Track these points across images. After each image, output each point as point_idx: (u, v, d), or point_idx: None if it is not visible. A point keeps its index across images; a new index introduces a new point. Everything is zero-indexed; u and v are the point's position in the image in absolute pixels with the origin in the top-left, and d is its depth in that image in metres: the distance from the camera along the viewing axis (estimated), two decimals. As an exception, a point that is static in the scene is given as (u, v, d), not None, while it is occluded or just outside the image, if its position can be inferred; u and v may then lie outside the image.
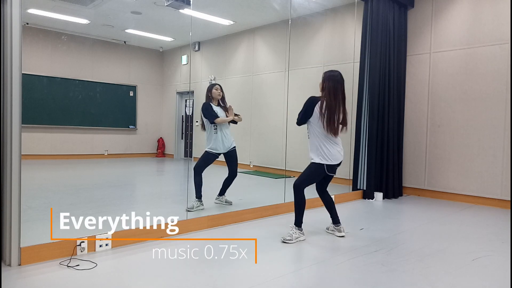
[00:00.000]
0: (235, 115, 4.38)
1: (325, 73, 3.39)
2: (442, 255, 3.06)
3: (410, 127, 5.85)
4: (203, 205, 4.25)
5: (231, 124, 4.44)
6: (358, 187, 5.51)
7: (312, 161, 3.36)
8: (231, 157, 4.40)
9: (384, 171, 5.47)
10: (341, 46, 6.57)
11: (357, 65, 5.66)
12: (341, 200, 5.06)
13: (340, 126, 3.35)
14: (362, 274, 2.64)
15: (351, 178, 5.64)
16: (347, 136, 5.73)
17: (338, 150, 3.36)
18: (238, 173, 4.44)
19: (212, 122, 4.22)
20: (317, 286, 2.48)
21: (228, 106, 4.39)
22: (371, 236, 3.57)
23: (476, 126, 5.19)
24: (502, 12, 4.96)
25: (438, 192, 5.56)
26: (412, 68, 5.83)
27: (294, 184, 3.37)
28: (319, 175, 3.39)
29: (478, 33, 5.18)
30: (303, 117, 3.36)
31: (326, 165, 3.31)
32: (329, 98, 3.26)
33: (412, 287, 2.43)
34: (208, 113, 4.22)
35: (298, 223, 3.36)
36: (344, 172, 5.81)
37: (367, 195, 5.42)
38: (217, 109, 4.31)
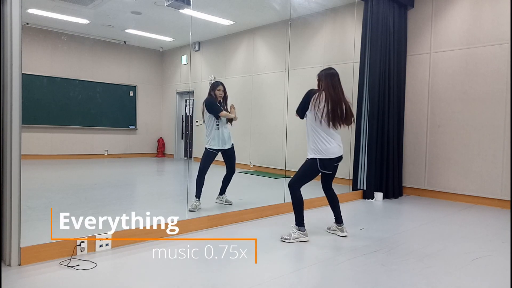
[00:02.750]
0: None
1: (320, 72, 3.37)
2: (442, 255, 3.06)
3: (410, 127, 5.84)
4: (200, 203, 4.26)
5: (229, 123, 4.46)
6: (358, 187, 5.51)
7: (307, 157, 3.33)
8: (230, 156, 4.42)
9: (384, 171, 5.47)
10: (341, 46, 6.57)
11: (357, 65, 5.66)
12: (341, 200, 4.97)
13: (344, 117, 3.26)
14: (362, 274, 2.64)
15: (351, 178, 5.64)
16: (347, 136, 5.74)
17: (335, 145, 3.29)
18: (238, 173, 4.44)
19: (217, 117, 4.22)
20: (317, 286, 2.48)
21: (230, 105, 4.39)
22: (371, 236, 3.57)
23: (476, 126, 5.19)
24: (502, 12, 4.96)
25: (438, 192, 5.56)
26: (412, 68, 5.83)
27: (289, 183, 3.37)
28: (312, 171, 3.32)
29: (478, 33, 5.18)
30: (300, 110, 3.33)
31: (319, 159, 3.26)
32: (328, 91, 3.22)
33: (412, 287, 2.43)
34: (213, 108, 4.22)
35: (298, 222, 3.33)
36: (344, 172, 5.80)
37: (367, 195, 5.42)
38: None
